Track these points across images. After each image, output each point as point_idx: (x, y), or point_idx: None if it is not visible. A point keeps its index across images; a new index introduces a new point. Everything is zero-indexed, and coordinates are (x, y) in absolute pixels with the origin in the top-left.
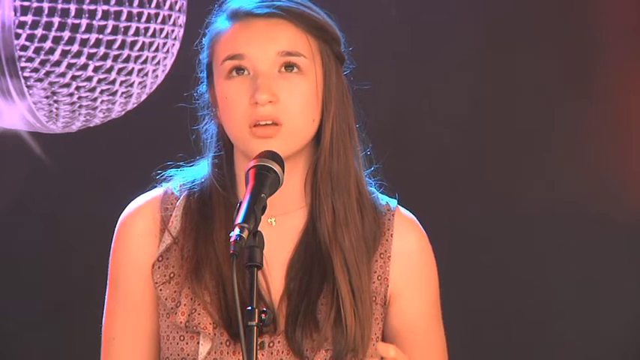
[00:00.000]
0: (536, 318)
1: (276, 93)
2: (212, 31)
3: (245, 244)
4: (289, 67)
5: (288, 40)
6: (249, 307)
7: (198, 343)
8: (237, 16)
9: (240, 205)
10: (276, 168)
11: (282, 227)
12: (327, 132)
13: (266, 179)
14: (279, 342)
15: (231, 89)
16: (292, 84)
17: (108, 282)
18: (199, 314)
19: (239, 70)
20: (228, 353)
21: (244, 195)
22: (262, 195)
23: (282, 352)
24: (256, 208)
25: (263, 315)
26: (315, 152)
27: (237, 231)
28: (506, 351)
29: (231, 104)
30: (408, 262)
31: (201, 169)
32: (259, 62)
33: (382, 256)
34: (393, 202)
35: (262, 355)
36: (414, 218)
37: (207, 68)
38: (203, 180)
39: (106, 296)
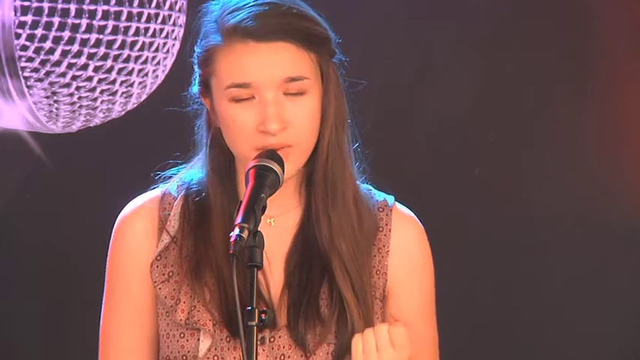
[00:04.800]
0: (534, 319)
1: (285, 118)
2: (206, 44)
3: (245, 244)
4: (295, 92)
5: (292, 63)
6: (249, 307)
7: (198, 339)
8: (234, 33)
9: (240, 205)
10: (276, 168)
11: (279, 225)
12: (326, 137)
13: (266, 179)
14: (280, 337)
15: (237, 112)
16: (300, 106)
17: (106, 282)
18: (199, 311)
19: (245, 96)
20: (228, 349)
21: (244, 195)
22: (262, 195)
23: (284, 347)
24: (256, 208)
25: (263, 315)
26: (311, 155)
27: (237, 231)
28: (505, 352)
29: (238, 128)
30: (406, 256)
31: (198, 169)
32: (265, 89)
33: (380, 250)
34: (391, 199)
35: (263, 350)
36: (412, 214)
37: (202, 81)
38: (200, 181)
39: (104, 296)
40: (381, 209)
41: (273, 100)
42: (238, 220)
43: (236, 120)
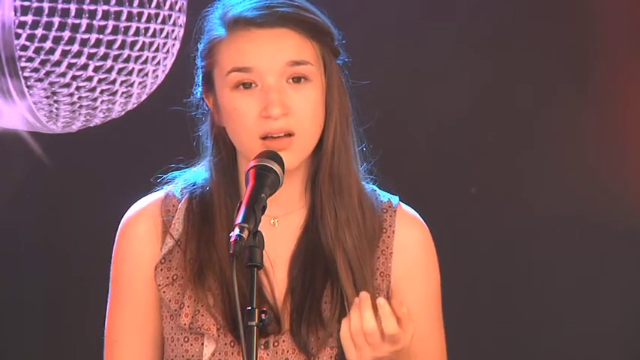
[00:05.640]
0: (534, 319)
1: (287, 105)
2: (209, 37)
3: (245, 244)
4: (298, 77)
5: (295, 49)
6: (249, 307)
7: (202, 344)
8: (237, 24)
9: (240, 206)
10: (276, 168)
11: (283, 227)
12: (331, 134)
13: (266, 179)
14: (283, 341)
15: (240, 101)
16: (302, 94)
17: (110, 284)
18: (203, 316)
19: (247, 82)
20: (232, 354)
21: (244, 195)
22: (262, 195)
23: (288, 351)
24: (256, 208)
25: (263, 315)
26: (316, 153)
27: (237, 231)
28: (505, 352)
29: (241, 116)
30: (409, 257)
31: (201, 172)
32: (268, 74)
33: (384, 252)
34: (395, 199)
35: (267, 354)
36: (417, 215)
37: (205, 75)
38: (204, 183)
39: (109, 298)
40: (385, 210)
41: (276, 85)
42: (238, 220)
43: (238, 108)
